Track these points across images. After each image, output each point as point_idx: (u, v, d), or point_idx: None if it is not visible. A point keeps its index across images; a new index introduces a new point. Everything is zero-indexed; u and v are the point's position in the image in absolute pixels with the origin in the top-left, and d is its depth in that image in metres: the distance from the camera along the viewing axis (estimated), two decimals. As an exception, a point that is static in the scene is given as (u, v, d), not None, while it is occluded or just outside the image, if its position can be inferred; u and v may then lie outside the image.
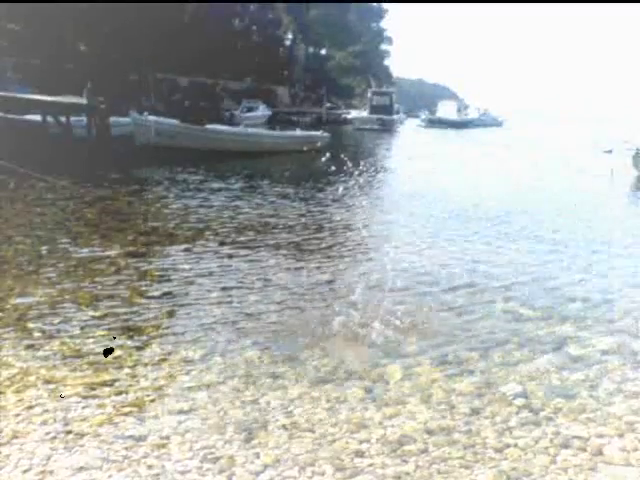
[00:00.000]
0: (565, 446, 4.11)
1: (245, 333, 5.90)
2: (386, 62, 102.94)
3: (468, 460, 3.90)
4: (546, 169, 24.08)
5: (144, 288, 7.22)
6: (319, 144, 23.79)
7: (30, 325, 5.92)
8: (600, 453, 4.06)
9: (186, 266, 8.18)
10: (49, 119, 20.51)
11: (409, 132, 58.55)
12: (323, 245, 9.75)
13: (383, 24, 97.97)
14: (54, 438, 4.01)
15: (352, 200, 13.19)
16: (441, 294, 7.35)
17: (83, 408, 4.40)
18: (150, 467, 3.73)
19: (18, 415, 4.28)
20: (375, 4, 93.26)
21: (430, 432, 4.22)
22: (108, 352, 5.31)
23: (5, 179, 14.10)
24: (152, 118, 22.65)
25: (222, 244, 9.51)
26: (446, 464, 3.85)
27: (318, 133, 28.38)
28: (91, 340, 5.61)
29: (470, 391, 4.86)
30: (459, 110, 76.63)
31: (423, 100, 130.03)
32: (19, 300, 6.59)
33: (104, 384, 4.78)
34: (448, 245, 10.02)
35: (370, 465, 3.82)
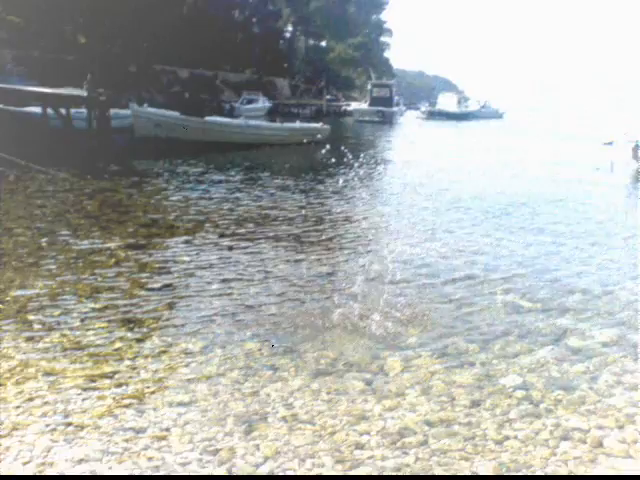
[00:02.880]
0: (565, 438, 4.12)
1: (245, 325, 5.90)
2: (386, 54, 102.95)
3: (468, 452, 3.91)
4: (546, 161, 24.05)
5: (144, 280, 7.22)
6: (319, 136, 23.76)
7: (30, 317, 5.92)
8: (600, 445, 4.06)
9: (186, 258, 8.18)
10: (49, 111, 20.46)
11: (409, 124, 58.49)
12: (323, 237, 9.74)
13: (383, 16, 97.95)
14: (54, 430, 4.01)
15: (352, 192, 13.18)
16: (441, 286, 7.35)
17: (83, 400, 4.40)
18: (150, 459, 3.74)
19: (18, 407, 4.28)
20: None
21: (430, 424, 4.23)
22: None
23: (5, 171, 14.09)
24: (152, 110, 22.63)
25: (222, 236, 9.51)
26: (446, 456, 3.85)
27: (318, 125, 28.33)
28: (91, 332, 5.61)
29: (470, 383, 4.87)
30: (459, 102, 76.60)
31: (423, 92, 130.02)
32: (19, 292, 6.59)
33: (104, 376, 4.78)
34: (448, 237, 10.02)
35: (370, 457, 3.82)
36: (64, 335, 5.53)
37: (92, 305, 6.30)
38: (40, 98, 21.00)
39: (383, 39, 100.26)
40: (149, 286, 7.02)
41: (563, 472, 3.75)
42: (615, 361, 5.40)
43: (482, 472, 3.71)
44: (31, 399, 4.39)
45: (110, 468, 3.65)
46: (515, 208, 13.03)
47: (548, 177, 19.17)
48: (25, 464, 3.67)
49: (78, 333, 5.59)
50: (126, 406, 4.34)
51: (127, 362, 5.06)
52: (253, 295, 6.80)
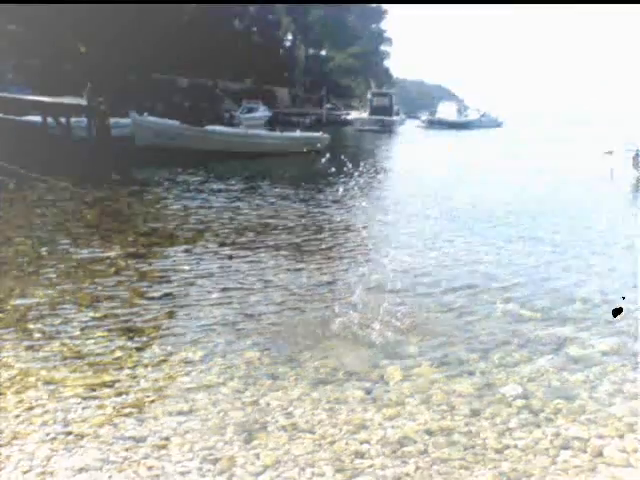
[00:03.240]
0: (565, 447, 4.11)
1: (245, 334, 5.90)
2: (386, 63, 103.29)
3: (468, 461, 3.90)
4: (546, 170, 24.07)
5: (144, 289, 7.22)
6: (319, 145, 23.78)
7: (30, 326, 5.92)
8: (600, 454, 4.06)
9: (186, 267, 8.19)
10: (49, 120, 20.49)
11: (409, 133, 58.54)
12: (323, 246, 9.75)
13: (383, 25, 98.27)
14: (54, 439, 4.01)
15: (352, 201, 13.18)
16: (441, 295, 7.35)
17: (83, 409, 4.40)
18: (150, 468, 3.73)
19: (18, 416, 4.28)
20: (374, 5, 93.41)
21: (430, 433, 4.22)
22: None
23: (5, 180, 14.10)
24: (152, 119, 22.67)
25: (222, 245, 9.51)
26: (446, 465, 3.85)
27: (318, 134, 28.37)
28: (91, 341, 5.62)
29: (470, 392, 4.87)
30: (459, 111, 76.69)
31: (423, 101, 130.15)
32: (19, 301, 6.60)
33: (104, 385, 4.78)
34: (448, 246, 10.03)
35: (370, 466, 3.82)
36: (64, 344, 5.53)
37: (92, 314, 6.30)
38: (40, 107, 21.03)
39: (383, 48, 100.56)
40: (149, 295, 7.02)
41: (563, 481, 3.75)
42: (615, 370, 5.40)
43: (482, 481, 3.71)
44: (31, 408, 4.39)
45: (110, 477, 3.65)
46: (515, 217, 13.03)
47: (548, 186, 19.18)
48: (25, 473, 3.67)
49: (78, 342, 5.59)
50: (126, 415, 4.34)
51: (127, 371, 5.06)
52: (253, 304, 6.80)
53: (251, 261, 8.63)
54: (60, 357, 5.27)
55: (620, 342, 6.03)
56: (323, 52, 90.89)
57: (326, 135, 28.08)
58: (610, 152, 30.84)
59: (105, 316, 6.26)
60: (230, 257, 8.81)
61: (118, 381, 4.87)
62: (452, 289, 7.58)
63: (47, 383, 4.78)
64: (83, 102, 21.22)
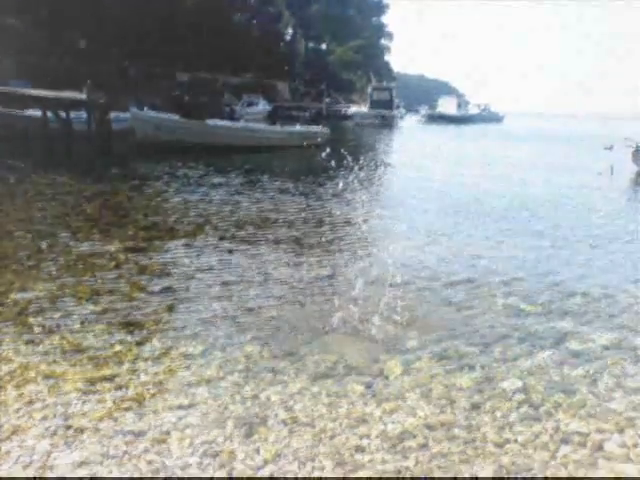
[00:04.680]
0: (565, 441, 4.11)
1: (245, 328, 5.90)
2: (386, 57, 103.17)
3: (468, 455, 3.90)
4: (546, 165, 24.05)
5: (144, 283, 7.21)
6: (319, 139, 23.73)
7: (30, 320, 5.92)
8: (600, 449, 4.05)
9: (186, 261, 8.18)
10: (49, 114, 20.49)
11: (409, 127, 58.55)
12: (323, 240, 9.73)
13: (384, 19, 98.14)
14: (54, 433, 4.01)
15: (352, 195, 13.06)
16: (441, 289, 7.34)
17: (83, 403, 4.40)
18: (150, 462, 3.73)
19: (18, 410, 4.28)
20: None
21: (430, 427, 4.22)
22: None
23: (5, 174, 14.09)
24: (152, 113, 22.64)
25: (222, 239, 9.50)
26: (446, 459, 3.85)
27: (318, 128, 28.35)
28: (91, 335, 5.61)
29: (470, 386, 4.86)
30: (459, 106, 76.67)
31: (423, 96, 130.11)
32: (19, 295, 6.59)
33: (104, 379, 4.78)
34: (448, 240, 10.02)
35: (370, 460, 3.82)
36: (64, 338, 5.53)
37: (92, 308, 6.29)
38: (40, 101, 21.02)
39: (383, 42, 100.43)
40: (149, 289, 7.01)
41: (563, 475, 3.75)
42: (615, 364, 5.40)
43: (482, 475, 3.71)
44: (31, 402, 4.39)
45: (110, 471, 3.65)
46: (515, 212, 13.03)
47: (548, 181, 19.17)
48: (25, 467, 3.67)
49: (78, 336, 5.58)
50: (126, 409, 4.34)
51: (127, 365, 5.05)
52: (253, 298, 6.80)
53: (251, 255, 8.63)
54: (60, 351, 5.27)
55: (620, 336, 6.03)
56: (323, 46, 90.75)
57: (326, 129, 28.07)
58: (610, 147, 30.82)
59: (105, 310, 6.25)
60: (230, 251, 8.80)
61: (118, 375, 4.86)
62: (452, 283, 7.58)
63: (47, 377, 4.78)
64: (83, 96, 21.22)
